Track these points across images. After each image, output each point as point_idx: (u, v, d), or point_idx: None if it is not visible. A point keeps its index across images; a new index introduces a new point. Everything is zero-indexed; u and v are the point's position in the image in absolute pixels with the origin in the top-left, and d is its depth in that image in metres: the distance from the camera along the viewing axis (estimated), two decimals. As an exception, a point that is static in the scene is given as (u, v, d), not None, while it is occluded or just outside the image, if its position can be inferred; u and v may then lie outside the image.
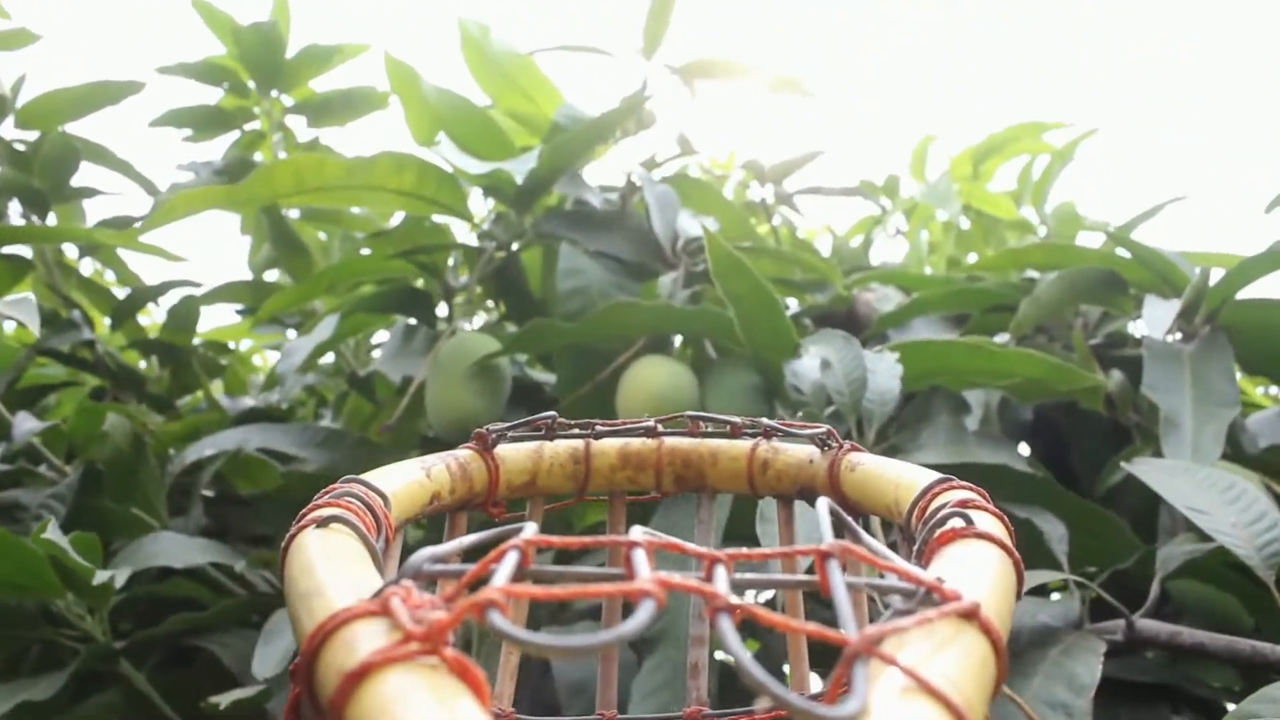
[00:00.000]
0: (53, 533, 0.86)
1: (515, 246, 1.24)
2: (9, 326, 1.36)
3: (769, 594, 1.02)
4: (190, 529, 1.20)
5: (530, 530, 0.28)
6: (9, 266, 1.26)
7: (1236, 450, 1.05)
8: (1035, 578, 0.85)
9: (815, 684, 0.55)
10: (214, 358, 1.43)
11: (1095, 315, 1.25)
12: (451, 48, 1.29)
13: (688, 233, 1.17)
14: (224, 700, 0.89)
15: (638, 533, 0.28)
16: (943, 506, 0.37)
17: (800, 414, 0.93)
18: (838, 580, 0.26)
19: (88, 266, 1.60)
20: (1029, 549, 0.99)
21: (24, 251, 1.34)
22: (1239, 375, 1.09)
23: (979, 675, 0.25)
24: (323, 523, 0.34)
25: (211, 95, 1.60)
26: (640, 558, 0.26)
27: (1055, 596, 1.08)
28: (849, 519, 0.36)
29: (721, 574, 0.25)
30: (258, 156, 1.60)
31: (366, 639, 0.23)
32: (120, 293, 1.47)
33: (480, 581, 0.25)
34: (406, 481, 0.44)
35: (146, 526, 1.11)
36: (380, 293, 1.24)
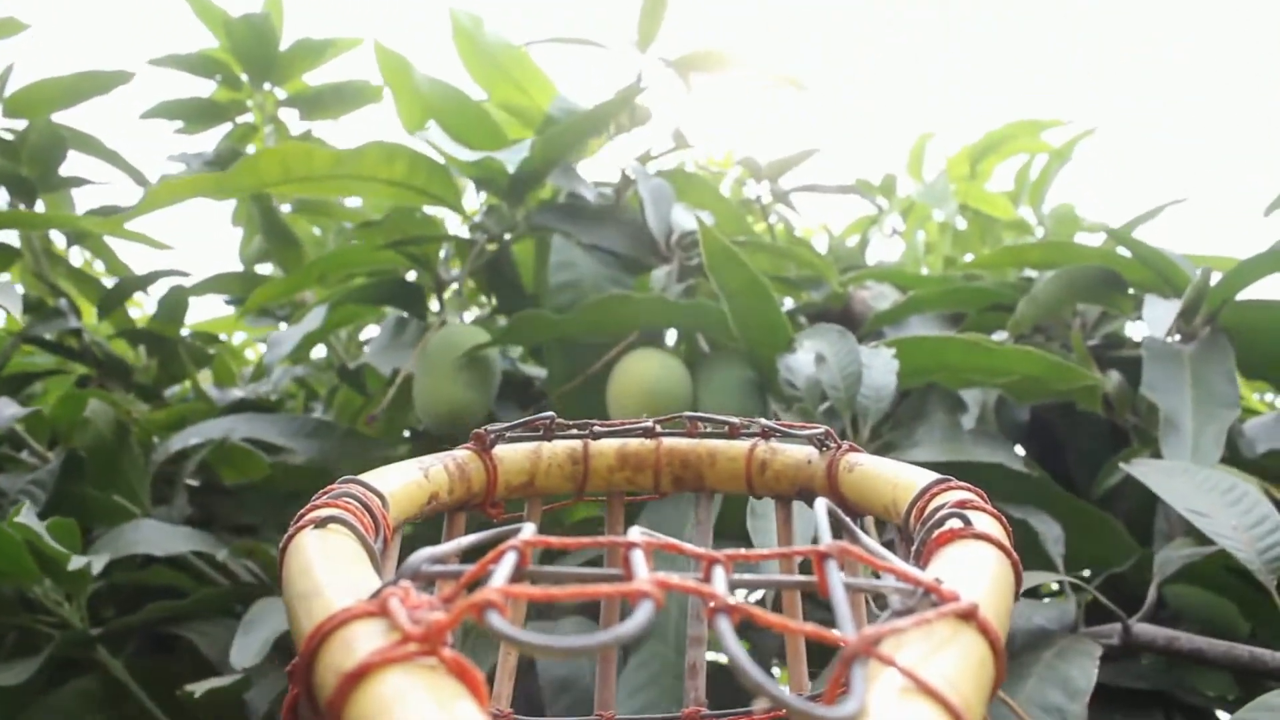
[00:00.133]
0: (27, 517, 0.84)
1: (507, 239, 1.22)
2: (-4, 315, 1.33)
3: (758, 594, 0.99)
4: (174, 518, 1.18)
5: (528, 531, 0.28)
6: (-5, 253, 1.24)
7: (1234, 455, 1.03)
8: (1030, 579, 0.83)
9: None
10: (202, 347, 1.40)
11: (1093, 316, 1.23)
12: (445, 42, 1.27)
13: (682, 227, 1.14)
14: (199, 689, 0.86)
15: (636, 533, 0.27)
16: (941, 507, 0.36)
17: (794, 409, 0.90)
18: (836, 581, 0.26)
19: (77, 257, 1.57)
20: (1024, 550, 0.97)
21: (11, 240, 1.32)
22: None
23: (977, 676, 0.25)
24: (321, 523, 0.34)
25: (203, 88, 1.57)
26: (638, 558, 0.26)
27: (1049, 600, 1.05)
28: (847, 519, 0.35)
29: (720, 575, 0.25)
30: (250, 149, 1.58)
31: (365, 640, 0.23)
32: (109, 283, 1.44)
33: (479, 582, 0.25)
34: (404, 482, 0.43)
35: (128, 514, 1.09)
36: (370, 284, 1.22)
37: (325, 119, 1.58)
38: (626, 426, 0.53)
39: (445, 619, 0.22)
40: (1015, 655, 0.80)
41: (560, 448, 0.52)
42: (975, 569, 0.31)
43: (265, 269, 1.56)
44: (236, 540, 1.17)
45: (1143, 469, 0.88)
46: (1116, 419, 1.12)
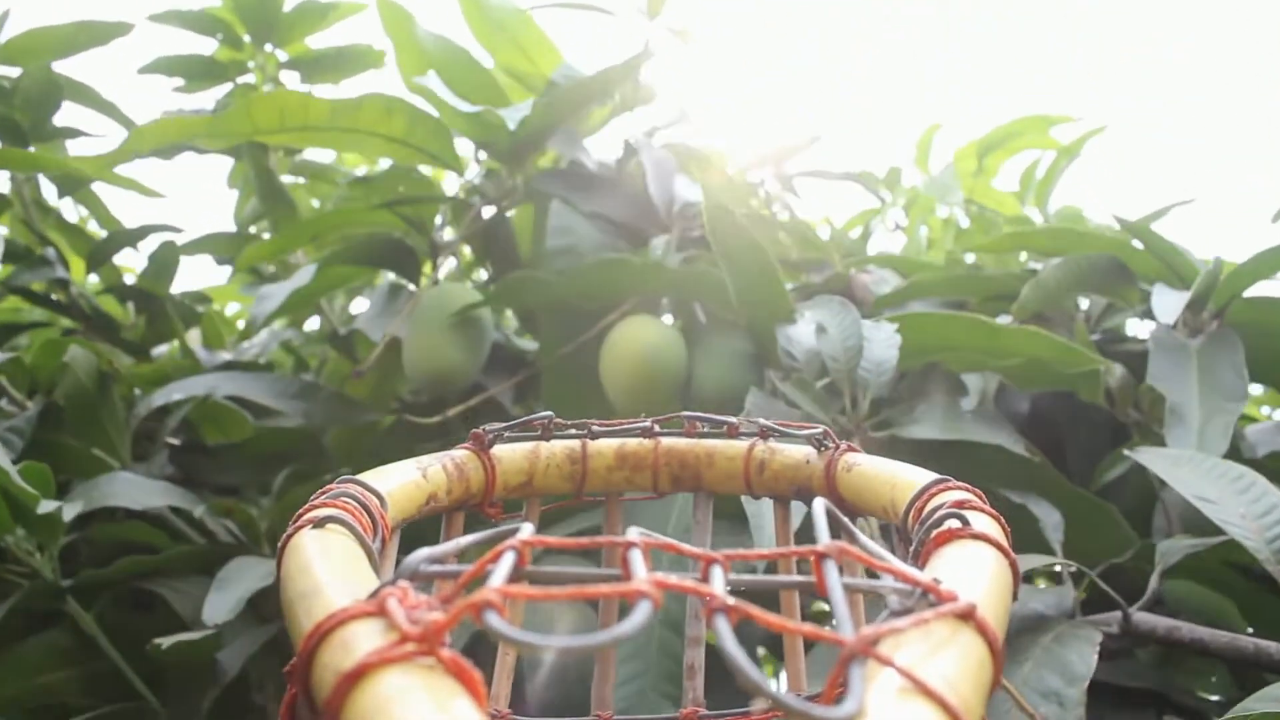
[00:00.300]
0: (-1, 458, 0.81)
1: (505, 204, 1.19)
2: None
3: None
4: (153, 475, 1.15)
5: (527, 531, 0.28)
6: (-17, 201, 1.20)
7: (1235, 457, 1.00)
8: (1028, 562, 0.80)
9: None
10: (191, 306, 1.36)
11: (1098, 308, 1.20)
12: (452, 6, 1.24)
13: (684, 197, 1.11)
14: (167, 642, 0.83)
15: (634, 533, 0.27)
16: (939, 507, 0.36)
17: (792, 379, 0.87)
18: (834, 581, 0.26)
19: (72, 213, 1.54)
20: (1022, 535, 0.94)
21: (1, 188, 1.28)
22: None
23: (976, 676, 0.25)
24: (319, 523, 0.34)
25: (205, 46, 1.54)
26: (636, 558, 0.26)
27: (1046, 587, 1.02)
28: (845, 520, 0.34)
29: (718, 574, 0.25)
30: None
31: (363, 639, 0.23)
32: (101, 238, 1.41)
33: (477, 582, 0.24)
34: (403, 482, 0.43)
35: (106, 467, 1.05)
36: (363, 242, 1.18)
37: (326, 82, 1.55)
38: (625, 426, 0.53)
39: (443, 619, 0.22)
40: (1011, 640, 0.76)
41: (558, 447, 0.52)
42: (973, 569, 0.31)
43: (261, 232, 1.53)
44: (219, 500, 1.14)
45: (1148, 456, 0.85)
46: (1118, 413, 1.09)
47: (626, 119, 1.30)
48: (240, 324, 1.74)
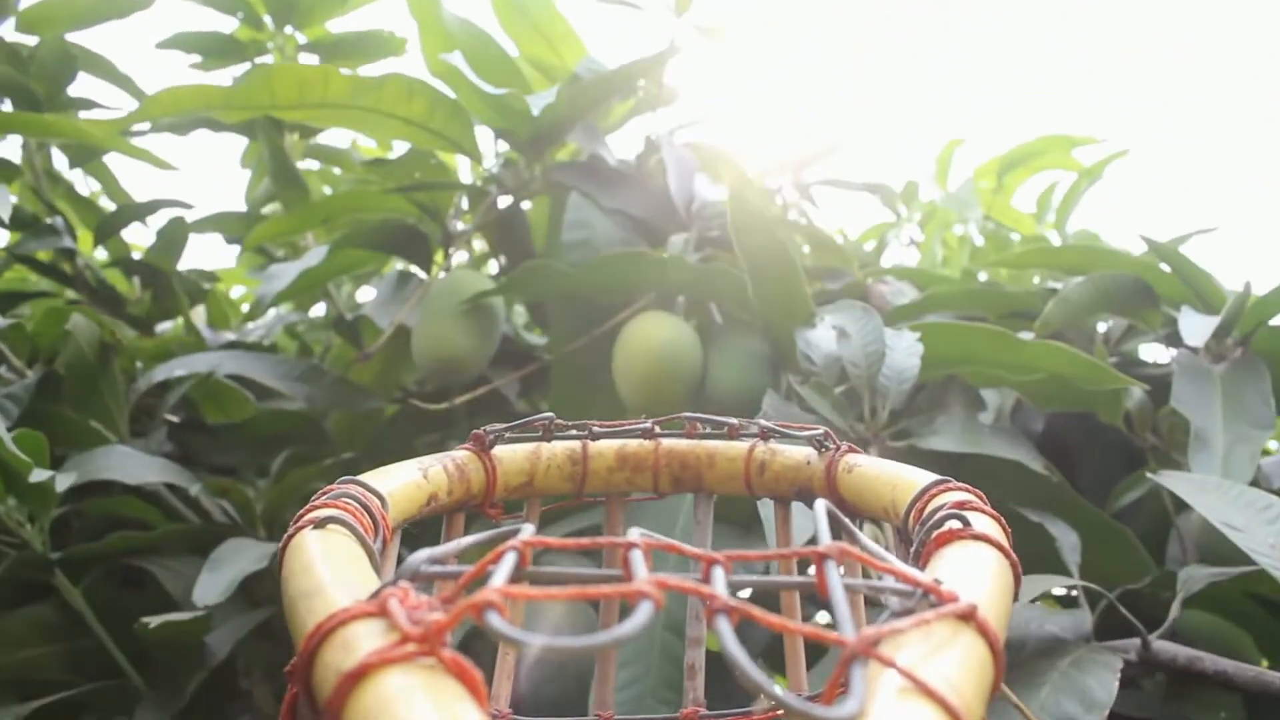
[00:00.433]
0: (-11, 421, 0.77)
1: (522, 195, 1.15)
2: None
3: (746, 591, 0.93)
4: (151, 451, 1.11)
5: (528, 531, 0.28)
6: (-5, 167, 1.17)
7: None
8: (1045, 583, 0.77)
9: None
10: (197, 282, 1.33)
11: (1117, 330, 1.17)
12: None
13: (704, 197, 1.08)
14: (155, 621, 0.80)
15: (635, 534, 0.27)
16: (940, 508, 0.36)
17: (810, 383, 0.84)
18: (835, 582, 0.26)
19: (83, 188, 1.50)
20: (1038, 556, 0.91)
21: (13, 156, 1.25)
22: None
23: (977, 677, 0.25)
24: (320, 523, 0.33)
25: (225, 25, 1.51)
26: (638, 559, 0.25)
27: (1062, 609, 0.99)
28: (846, 520, 0.34)
29: (719, 575, 0.25)
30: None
31: (364, 640, 0.23)
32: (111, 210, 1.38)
33: (478, 582, 0.24)
34: (404, 483, 0.43)
35: (103, 440, 1.02)
36: (376, 227, 1.15)
37: (345, 67, 1.51)
38: (625, 427, 0.53)
39: (444, 619, 0.22)
40: (1026, 661, 0.73)
41: (559, 448, 0.52)
42: (974, 570, 0.31)
43: (273, 214, 1.49)
44: (217, 479, 1.11)
45: (1173, 480, 0.82)
46: (1135, 437, 1.06)
47: (648, 119, 1.27)
48: (245, 307, 1.71)
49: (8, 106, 1.25)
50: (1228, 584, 0.80)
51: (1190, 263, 1.02)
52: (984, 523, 0.34)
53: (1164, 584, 0.88)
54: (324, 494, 0.37)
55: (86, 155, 1.34)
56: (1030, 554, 0.92)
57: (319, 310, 1.51)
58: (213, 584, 0.85)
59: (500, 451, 0.50)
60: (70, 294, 1.30)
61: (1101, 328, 1.18)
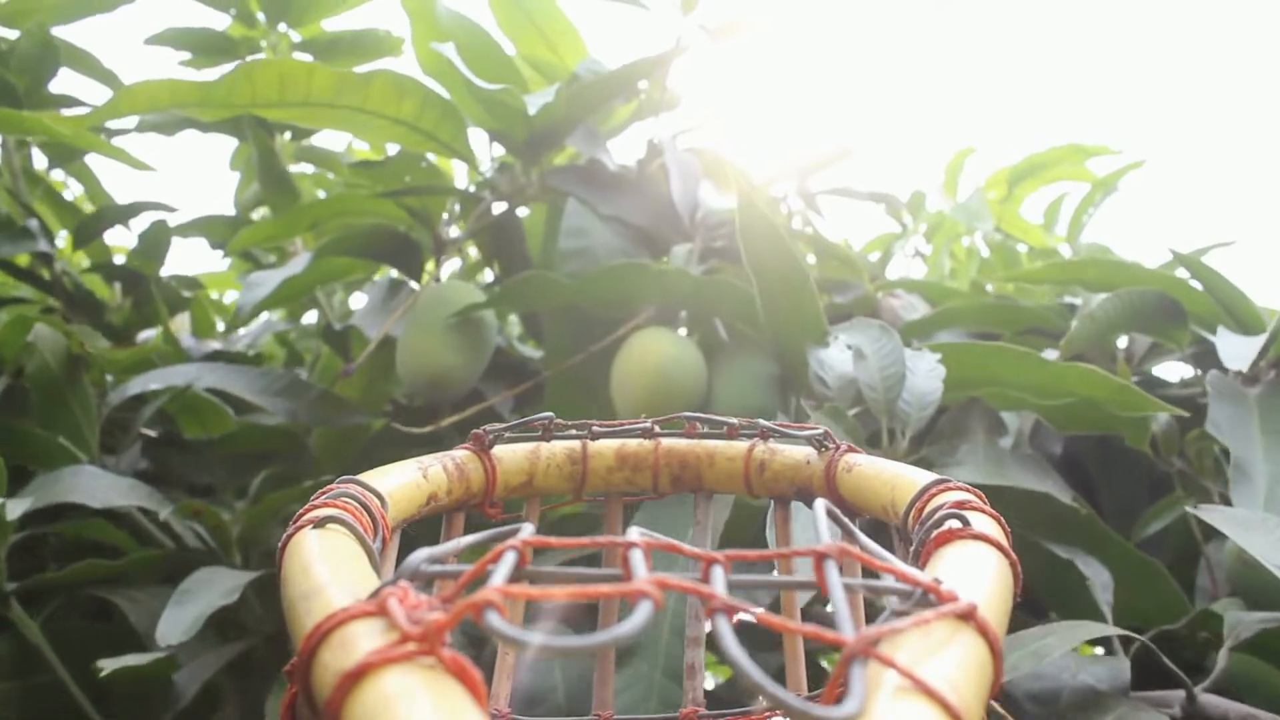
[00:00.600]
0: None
1: (517, 200, 1.07)
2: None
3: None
4: (123, 468, 1.03)
5: (527, 531, 0.27)
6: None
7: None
8: (1081, 631, 0.68)
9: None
10: (178, 290, 1.25)
11: (1140, 348, 1.09)
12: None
13: (709, 205, 1.00)
14: (109, 666, 0.71)
15: (635, 533, 0.27)
16: (940, 508, 0.35)
17: (824, 408, 0.76)
18: (835, 581, 0.25)
19: (68, 193, 1.42)
20: (1068, 595, 0.83)
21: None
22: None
23: (977, 676, 0.24)
24: (319, 523, 0.33)
25: (217, 22, 1.43)
26: (637, 558, 0.25)
27: (1096, 655, 0.91)
28: (846, 520, 0.34)
29: (719, 575, 0.25)
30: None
31: (364, 639, 0.22)
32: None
33: (478, 582, 0.24)
34: (403, 482, 0.42)
35: (73, 458, 0.93)
36: (363, 233, 1.06)
37: (340, 67, 1.43)
38: (625, 427, 0.52)
39: (444, 619, 0.21)
40: (1064, 715, 0.65)
41: (559, 448, 0.51)
42: (974, 569, 0.30)
43: (260, 216, 1.41)
44: (191, 499, 1.02)
45: (1215, 515, 0.73)
46: (1161, 462, 0.98)
47: (651, 123, 1.19)
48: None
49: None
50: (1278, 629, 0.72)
51: (1223, 279, 0.94)
52: (984, 522, 0.34)
53: (1201, 625, 0.81)
54: (323, 493, 0.36)
55: (67, 155, 1.25)
56: (1059, 593, 0.84)
57: (313, 316, 1.43)
58: (177, 621, 0.77)
59: (500, 451, 0.49)
60: (47, 300, 1.21)
61: (1121, 343, 1.10)
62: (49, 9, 1.21)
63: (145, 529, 0.96)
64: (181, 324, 1.36)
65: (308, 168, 1.46)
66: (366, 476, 0.40)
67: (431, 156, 1.10)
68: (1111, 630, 0.66)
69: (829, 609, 0.92)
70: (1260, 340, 0.85)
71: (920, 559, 0.33)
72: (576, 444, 0.51)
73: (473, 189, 1.09)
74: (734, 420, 0.52)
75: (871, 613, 0.62)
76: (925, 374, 0.76)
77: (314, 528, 0.32)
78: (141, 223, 1.27)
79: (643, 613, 0.22)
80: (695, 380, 0.87)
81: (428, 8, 1.01)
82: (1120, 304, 0.94)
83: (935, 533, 0.33)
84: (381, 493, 0.38)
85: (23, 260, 1.19)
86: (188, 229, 1.28)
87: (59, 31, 1.22)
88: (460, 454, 0.47)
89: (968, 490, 0.37)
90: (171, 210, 1.22)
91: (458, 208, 1.11)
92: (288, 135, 1.37)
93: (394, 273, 1.20)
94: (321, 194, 1.43)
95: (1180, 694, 0.67)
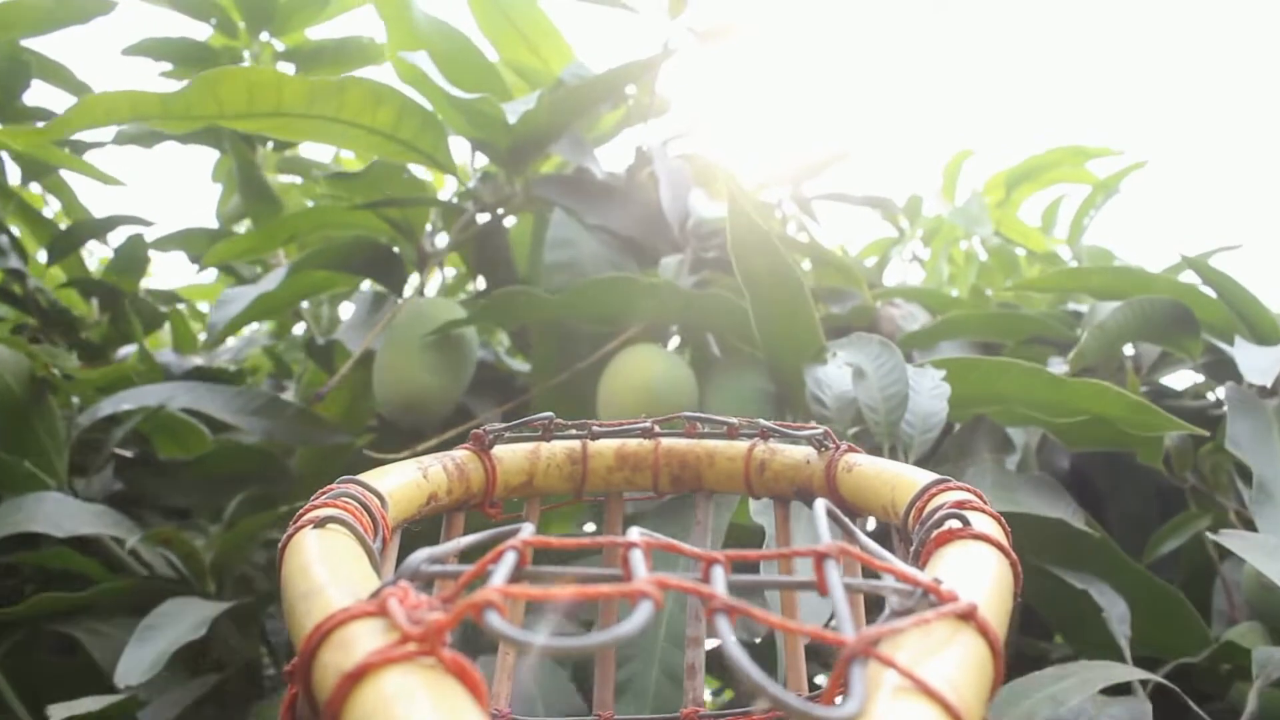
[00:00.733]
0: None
1: (501, 211, 1.01)
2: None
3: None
4: (94, 492, 0.97)
5: (528, 531, 0.27)
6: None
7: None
8: (1100, 673, 0.62)
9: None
10: (154, 305, 1.19)
11: (1149, 358, 1.02)
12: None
13: (700, 213, 0.94)
14: (60, 713, 0.65)
15: (635, 533, 0.26)
16: (940, 507, 0.34)
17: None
18: (835, 581, 0.25)
19: (48, 211, 1.36)
20: (1081, 625, 0.77)
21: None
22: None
23: (977, 676, 0.23)
24: (319, 523, 0.32)
25: (198, 32, 1.37)
26: (637, 558, 0.24)
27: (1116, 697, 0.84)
28: (846, 520, 0.33)
29: (719, 575, 0.24)
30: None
31: (364, 639, 0.22)
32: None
33: (478, 582, 0.23)
34: (403, 482, 0.41)
35: (39, 484, 0.87)
36: (342, 246, 1.00)
37: (323, 76, 1.37)
38: (625, 427, 0.51)
39: (444, 619, 0.21)
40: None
41: (559, 448, 0.50)
42: (974, 569, 0.29)
43: (243, 228, 1.35)
44: (166, 523, 0.96)
45: (1236, 541, 0.67)
46: (1174, 477, 0.92)
47: (640, 130, 1.13)
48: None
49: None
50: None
51: (1238, 285, 0.88)
52: (984, 522, 0.33)
53: (1223, 655, 0.75)
54: (323, 493, 0.35)
55: (41, 169, 1.19)
56: (1071, 621, 0.78)
57: (303, 327, 1.37)
58: (138, 660, 0.71)
59: (500, 451, 0.48)
60: (27, 319, 1.15)
61: (1128, 350, 1.04)
62: (20, 21, 1.15)
63: (116, 556, 0.90)
64: (167, 337, 1.30)
65: (299, 178, 1.40)
66: (367, 476, 0.39)
67: (421, 167, 1.04)
68: (1135, 675, 0.60)
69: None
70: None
71: (920, 559, 0.33)
72: (576, 444, 0.51)
73: (455, 200, 1.03)
74: (734, 420, 0.51)
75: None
76: (929, 393, 0.70)
77: (314, 527, 0.32)
78: (119, 237, 1.21)
79: (643, 613, 0.21)
80: (685, 399, 0.81)
81: (403, 13, 0.95)
82: (1131, 314, 0.88)
83: (935, 532, 0.32)
84: (382, 493, 0.38)
85: (-3, 276, 1.14)
86: (166, 243, 1.22)
87: (33, 43, 1.16)
88: (460, 454, 0.47)
89: (968, 490, 0.36)
90: (148, 224, 1.17)
91: (440, 218, 1.05)
92: (270, 145, 1.31)
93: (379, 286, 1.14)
94: (310, 203, 1.37)
95: (1208, 739, 0.61)
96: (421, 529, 0.43)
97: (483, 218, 1.02)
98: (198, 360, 1.24)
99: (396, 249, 1.04)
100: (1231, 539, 0.68)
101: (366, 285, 1.24)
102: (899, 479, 0.41)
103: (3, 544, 0.82)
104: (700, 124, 1.19)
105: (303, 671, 0.23)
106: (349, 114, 0.87)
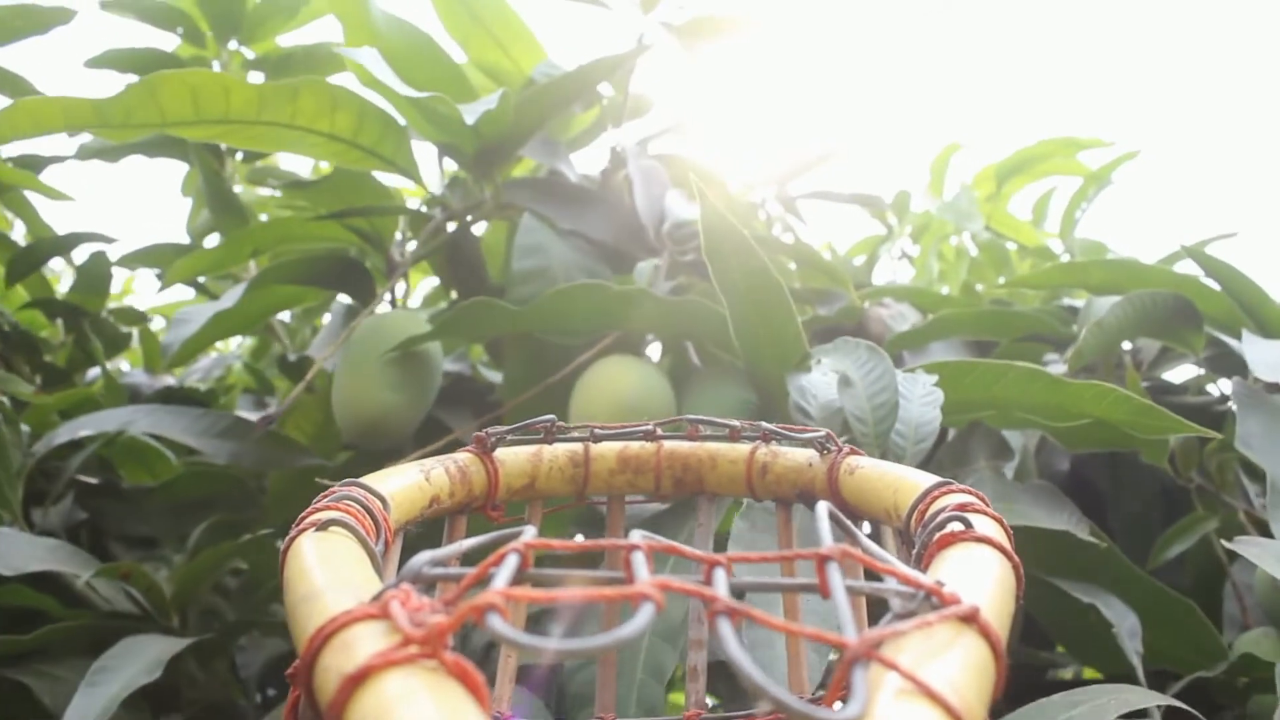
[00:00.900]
0: None
1: (472, 219, 0.95)
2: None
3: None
4: (53, 522, 0.91)
5: (530, 533, 0.26)
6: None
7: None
8: (1115, 700, 0.56)
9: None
10: (116, 326, 1.13)
11: (1149, 353, 0.97)
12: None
13: (677, 215, 0.88)
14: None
15: (637, 536, 0.25)
16: (942, 510, 0.34)
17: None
18: (837, 584, 0.25)
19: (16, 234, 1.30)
20: (1088, 641, 0.71)
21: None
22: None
23: (979, 679, 0.23)
24: (322, 526, 0.31)
25: (164, 42, 1.31)
26: (639, 561, 0.24)
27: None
28: (848, 523, 0.32)
29: (721, 577, 0.24)
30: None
31: (366, 642, 0.22)
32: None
33: (480, 584, 0.23)
34: (405, 485, 0.40)
35: (-8, 517, 0.82)
36: (306, 259, 0.94)
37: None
38: (627, 429, 0.51)
39: (446, 621, 0.21)
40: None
41: (561, 450, 0.50)
42: (976, 572, 0.29)
43: (213, 242, 1.29)
44: (129, 554, 0.91)
45: (1251, 548, 0.62)
46: (1179, 478, 0.87)
47: (616, 134, 1.07)
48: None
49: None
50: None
51: (1243, 276, 0.83)
52: (986, 525, 0.32)
53: (1241, 669, 0.69)
54: (326, 495, 0.35)
55: (3, 190, 1.14)
56: (1078, 636, 0.72)
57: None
58: (87, 708, 0.65)
59: (502, 454, 0.48)
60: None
61: (1126, 345, 0.98)
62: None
63: (75, 590, 0.84)
64: (134, 358, 1.25)
65: (278, 191, 1.34)
66: (369, 479, 0.39)
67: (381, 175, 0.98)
68: (1152, 699, 0.54)
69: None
70: (1292, 345, 0.74)
71: (923, 562, 0.32)
72: (579, 447, 0.50)
73: (424, 207, 0.97)
74: (736, 422, 0.50)
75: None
76: (921, 400, 0.65)
77: (316, 530, 0.31)
78: (84, 254, 1.16)
79: (645, 615, 0.21)
80: (661, 412, 0.75)
81: (360, 12, 0.89)
82: (1131, 309, 0.82)
83: (938, 535, 0.32)
84: (384, 495, 0.37)
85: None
86: (133, 259, 1.16)
87: (-7, 56, 1.11)
88: (463, 457, 0.46)
89: (970, 493, 0.36)
90: (110, 240, 1.11)
91: (407, 226, 0.99)
92: (239, 156, 1.25)
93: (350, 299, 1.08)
94: (264, 218, 1.32)
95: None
96: (423, 531, 0.43)
97: (453, 225, 0.96)
98: (170, 380, 1.19)
99: (364, 260, 0.99)
100: (1247, 546, 0.62)
101: (345, 298, 1.18)
102: (901, 481, 0.40)
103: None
104: (679, 123, 1.14)
105: (305, 674, 0.23)
106: (304, 120, 0.81)
